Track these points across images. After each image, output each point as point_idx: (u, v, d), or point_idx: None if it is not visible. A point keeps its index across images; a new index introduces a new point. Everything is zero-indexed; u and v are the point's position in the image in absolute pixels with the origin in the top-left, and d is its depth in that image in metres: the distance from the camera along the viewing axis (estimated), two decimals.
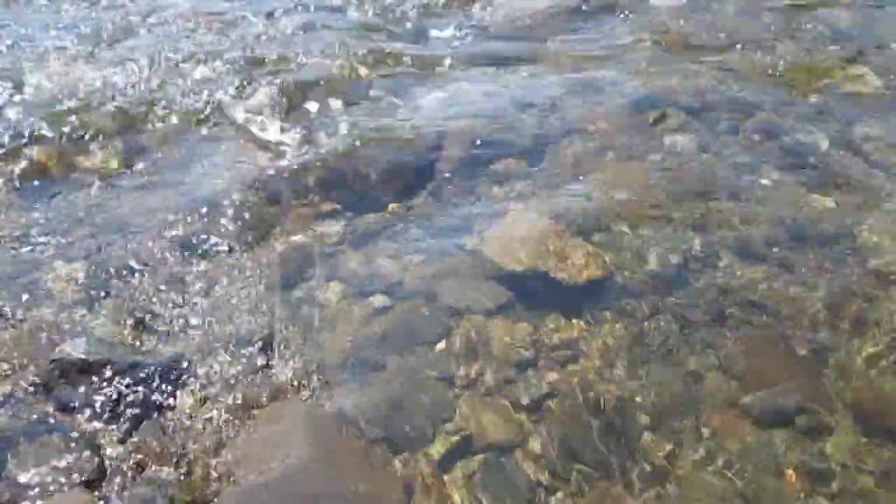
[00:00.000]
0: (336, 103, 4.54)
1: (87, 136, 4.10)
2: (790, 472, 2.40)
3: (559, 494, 2.38)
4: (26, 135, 4.02)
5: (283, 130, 4.29)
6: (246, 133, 4.26)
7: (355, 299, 3.13)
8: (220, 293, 3.12)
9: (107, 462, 2.41)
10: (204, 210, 3.58)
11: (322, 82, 4.69)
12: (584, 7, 5.48)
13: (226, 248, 3.36)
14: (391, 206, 3.65)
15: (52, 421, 2.52)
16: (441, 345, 2.92)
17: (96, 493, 2.32)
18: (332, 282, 3.20)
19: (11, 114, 4.23)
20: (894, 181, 3.52)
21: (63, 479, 2.33)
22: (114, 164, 3.98)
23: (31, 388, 2.63)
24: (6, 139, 3.98)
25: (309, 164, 3.89)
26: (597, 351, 2.84)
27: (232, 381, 2.71)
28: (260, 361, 2.81)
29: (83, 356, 2.69)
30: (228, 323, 2.96)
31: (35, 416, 2.52)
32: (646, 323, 2.94)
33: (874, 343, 2.77)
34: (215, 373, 2.74)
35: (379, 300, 3.12)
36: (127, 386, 2.63)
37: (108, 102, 4.39)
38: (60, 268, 3.19)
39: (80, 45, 5.13)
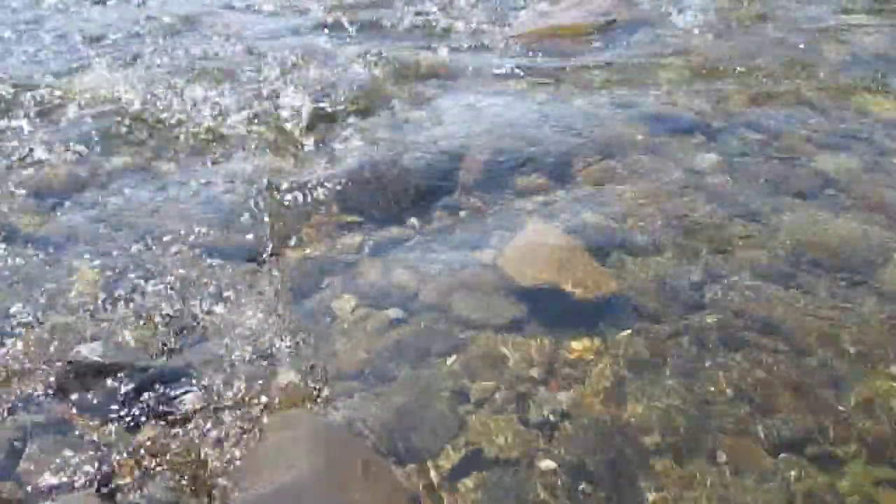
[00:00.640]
0: (357, 115, 4.58)
1: (110, 141, 4.17)
2: (802, 502, 2.37)
3: None
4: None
5: (304, 143, 4.34)
6: (268, 144, 4.31)
7: (370, 311, 3.14)
8: (237, 302, 3.15)
9: (115, 467, 2.43)
10: (223, 219, 3.64)
11: (344, 94, 4.74)
12: (608, 25, 5.48)
13: (244, 258, 3.39)
14: (411, 219, 3.67)
15: (64, 423, 2.55)
16: (453, 358, 2.92)
17: (104, 497, 2.34)
18: (348, 293, 3.22)
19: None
20: None
21: (72, 482, 2.36)
22: (137, 170, 4.04)
23: (46, 390, 2.67)
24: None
25: (330, 177, 3.93)
26: (610, 370, 2.83)
27: (244, 390, 2.73)
28: (272, 370, 2.83)
29: (99, 359, 2.73)
30: (244, 331, 2.98)
31: (48, 418, 2.56)
32: (660, 344, 2.92)
33: (891, 374, 2.73)
34: (227, 381, 2.75)
35: (394, 312, 3.13)
36: (139, 391, 2.66)
37: (133, 111, 4.47)
38: (81, 271, 3.24)
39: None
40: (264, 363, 2.85)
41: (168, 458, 2.46)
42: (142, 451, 2.48)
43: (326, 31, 5.71)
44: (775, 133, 4.12)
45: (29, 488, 2.34)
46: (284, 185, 3.87)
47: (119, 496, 2.34)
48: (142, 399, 2.66)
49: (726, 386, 2.74)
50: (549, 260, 3.28)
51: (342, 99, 4.67)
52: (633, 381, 2.78)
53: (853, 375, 2.73)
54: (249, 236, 3.51)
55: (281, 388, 2.75)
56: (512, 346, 2.95)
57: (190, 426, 2.58)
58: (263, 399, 2.69)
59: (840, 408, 2.63)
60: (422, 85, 4.89)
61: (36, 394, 2.66)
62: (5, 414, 2.58)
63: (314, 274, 3.32)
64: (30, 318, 2.99)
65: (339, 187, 3.86)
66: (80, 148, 4.17)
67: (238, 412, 2.63)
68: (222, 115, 4.46)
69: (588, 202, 3.68)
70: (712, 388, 2.73)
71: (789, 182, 3.70)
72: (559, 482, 2.47)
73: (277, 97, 4.68)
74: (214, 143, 4.30)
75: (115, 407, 2.62)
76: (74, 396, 2.65)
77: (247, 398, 2.69)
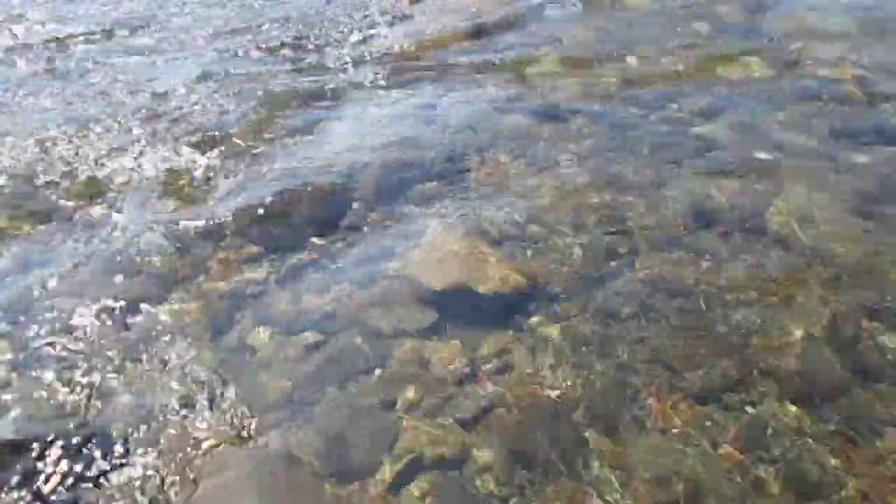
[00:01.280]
0: (243, 147, 4.52)
1: None
2: (730, 447, 2.47)
3: (514, 502, 2.39)
4: None
5: (193, 181, 4.25)
6: (157, 187, 4.19)
7: (287, 338, 3.09)
8: (151, 349, 3.05)
9: None
10: (122, 267, 3.52)
11: (226, 128, 4.67)
12: (484, 26, 5.60)
13: (152, 303, 3.29)
14: (313, 241, 3.63)
15: None
16: (377, 372, 2.91)
17: None
18: (262, 324, 3.16)
19: None
20: (791, 159, 3.69)
21: None
22: (26, 226, 3.87)
23: None
24: None
25: (226, 211, 3.86)
26: (531, 357, 2.87)
27: (172, 439, 2.64)
28: (198, 414, 2.74)
29: (13, 436, 2.60)
30: (163, 378, 2.89)
31: None
32: (574, 323, 2.99)
33: (790, 315, 2.88)
34: (154, 433, 2.66)
35: (311, 336, 3.09)
36: (61, 462, 2.53)
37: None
38: None
39: None
40: (189, 408, 2.77)
41: None
42: None
43: (202, 65, 5.61)
44: (652, 108, 4.30)
45: None
46: (182, 226, 3.78)
47: None
48: (66, 470, 2.53)
49: (643, 352, 2.83)
50: (454, 261, 3.31)
51: (226, 132, 4.59)
52: (554, 363, 2.83)
53: (757, 322, 2.87)
54: (154, 281, 3.41)
55: (210, 430, 2.67)
56: (432, 350, 2.96)
57: (123, 488, 2.48)
58: (194, 444, 2.61)
59: (749, 353, 2.76)
60: (303, 109, 4.86)
61: None
62: None
63: (226, 310, 3.25)
64: None
65: (236, 220, 3.80)
66: None
67: (171, 463, 2.55)
68: (107, 162, 4.32)
69: (484, 199, 3.73)
70: (630, 357, 2.82)
71: (672, 151, 3.87)
72: (501, 474, 2.48)
73: (160, 138, 4.57)
74: (101, 193, 4.15)
75: (38, 483, 2.48)
76: None
77: (177, 447, 2.60)
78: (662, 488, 2.37)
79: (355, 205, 3.83)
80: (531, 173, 3.85)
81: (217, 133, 4.62)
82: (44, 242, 3.79)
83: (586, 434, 2.57)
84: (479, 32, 5.50)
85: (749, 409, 2.60)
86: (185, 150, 4.45)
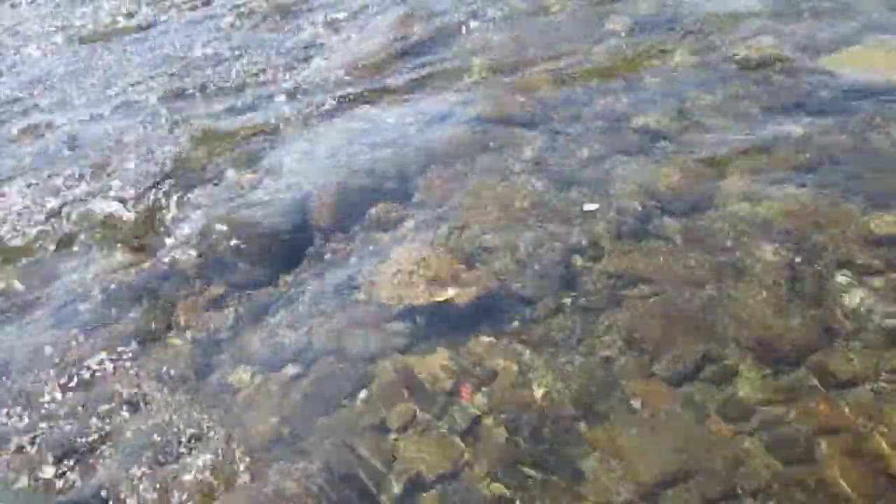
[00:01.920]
0: (190, 189, 4.48)
1: None
2: (713, 420, 2.58)
3: (519, 501, 2.45)
4: None
5: (144, 229, 4.20)
6: (106, 240, 4.13)
7: (268, 375, 3.10)
8: (133, 404, 3.02)
9: None
10: (82, 323, 3.47)
11: (166, 168, 4.63)
12: (411, 44, 5.67)
13: (121, 360, 3.24)
14: (277, 276, 3.63)
15: None
16: (363, 395, 2.93)
17: None
18: (241, 364, 3.16)
19: None
20: (729, 139, 3.85)
21: None
22: None
23: None
24: None
25: (183, 257, 3.82)
26: (513, 359, 2.94)
27: (165, 492, 2.62)
28: (189, 463, 2.73)
29: None
30: (148, 434, 2.86)
31: None
32: (549, 322, 3.07)
33: (750, 286, 3.01)
34: (146, 489, 2.63)
35: (291, 369, 3.10)
36: None
37: None
38: None
39: None
40: (178, 457, 2.75)
41: None
42: None
43: (135, 107, 5.54)
44: (587, 105, 4.42)
45: None
46: (138, 276, 3.73)
47: None
48: None
49: (617, 341, 2.93)
50: (422, 277, 3.36)
51: (165, 175, 4.54)
52: (536, 363, 2.91)
53: (720, 299, 3.00)
54: (120, 334, 3.37)
55: (205, 476, 2.66)
56: (415, 366, 3.01)
57: None
58: (190, 494, 2.59)
59: (717, 329, 2.88)
60: (246, 144, 4.84)
61: None
62: None
63: (202, 355, 3.23)
64: None
65: (195, 265, 3.77)
66: None
67: None
68: (50, 216, 4.25)
69: (439, 213, 3.79)
70: (607, 347, 2.92)
71: (615, 144, 3.99)
72: (502, 476, 2.55)
73: (100, 189, 4.50)
74: (46, 250, 4.08)
75: None
76: None
77: (175, 499, 2.58)
78: (657, 467, 2.47)
79: (314, 234, 3.85)
80: (481, 183, 3.92)
81: (158, 177, 4.56)
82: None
83: (578, 426, 2.65)
84: (407, 51, 5.55)
85: (725, 382, 2.72)
86: (128, 197, 4.38)
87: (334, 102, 5.05)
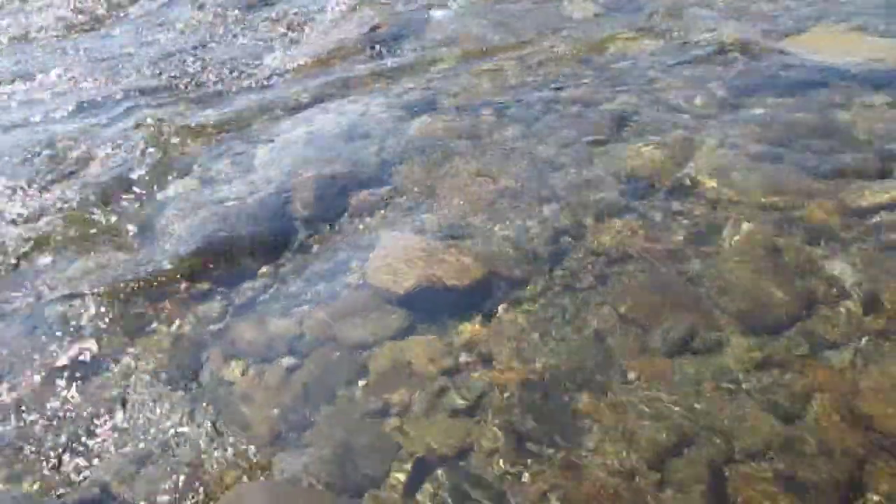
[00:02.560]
0: (164, 186, 4.42)
1: None
2: (709, 388, 2.67)
3: (525, 478, 2.50)
4: None
5: (118, 228, 4.13)
6: (81, 241, 4.05)
7: (262, 367, 3.09)
8: (121, 405, 2.98)
9: None
10: (66, 327, 3.41)
11: (141, 170, 4.56)
12: (378, 35, 5.68)
13: (110, 361, 3.20)
14: (262, 269, 3.62)
15: None
16: (362, 382, 2.95)
17: None
18: (234, 358, 3.14)
19: None
20: (699, 121, 3.97)
21: None
22: None
23: None
24: None
25: (162, 252, 3.78)
26: (507, 340, 2.99)
27: (171, 490, 2.60)
28: (192, 459, 2.71)
29: None
30: (146, 436, 2.83)
31: None
32: (540, 301, 3.13)
33: (732, 260, 3.12)
34: (152, 489, 2.61)
35: (286, 361, 3.10)
36: None
37: None
38: None
39: None
40: (180, 455, 2.73)
41: None
42: None
43: (99, 105, 5.43)
44: (559, 90, 4.51)
45: None
46: (118, 276, 3.66)
47: None
48: None
49: (609, 317, 3.00)
50: (412, 263, 3.38)
51: (141, 175, 4.48)
52: (531, 341, 2.96)
53: (705, 270, 3.09)
54: (106, 336, 3.31)
55: (209, 472, 2.64)
56: (412, 352, 3.03)
57: None
58: (196, 491, 2.58)
59: (705, 300, 2.98)
60: (216, 139, 4.79)
61: None
62: None
63: (192, 350, 3.20)
64: None
65: (176, 259, 3.72)
66: None
67: None
68: (22, 222, 4.14)
69: (424, 199, 3.82)
70: (599, 324, 2.98)
71: (589, 128, 4.07)
72: (506, 455, 2.59)
73: (70, 188, 4.41)
74: (19, 251, 3.99)
75: None
76: None
77: (181, 497, 2.56)
78: (661, 435, 2.54)
79: (296, 226, 3.84)
80: (461, 169, 3.96)
81: (131, 174, 4.50)
82: None
83: (577, 402, 2.71)
84: (374, 42, 5.57)
85: (716, 351, 2.81)
86: (102, 196, 4.31)
87: (304, 95, 5.04)
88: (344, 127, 4.58)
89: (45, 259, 3.93)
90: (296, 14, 6.35)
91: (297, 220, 3.88)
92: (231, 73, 5.56)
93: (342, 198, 3.94)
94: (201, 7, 6.91)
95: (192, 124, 4.92)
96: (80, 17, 7.34)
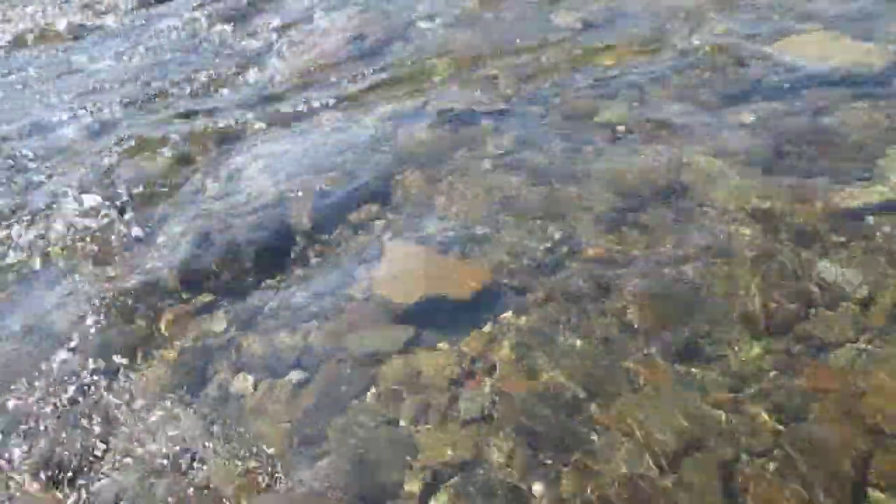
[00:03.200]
0: (157, 200, 4.43)
1: None
2: (716, 392, 2.73)
3: (539, 484, 2.54)
4: None
5: (117, 242, 4.13)
6: (80, 256, 4.04)
7: (272, 381, 3.11)
8: (132, 422, 2.99)
9: None
10: (68, 342, 3.41)
11: (134, 183, 4.56)
12: (367, 45, 5.71)
13: (115, 378, 3.20)
14: (266, 281, 3.64)
15: None
16: (372, 392, 2.98)
17: None
18: (243, 372, 3.16)
19: None
20: (690, 129, 4.05)
21: None
22: None
23: None
24: None
25: (163, 267, 3.79)
26: (513, 349, 3.03)
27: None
28: (205, 474, 2.73)
29: None
30: (157, 449, 2.84)
31: None
32: (544, 309, 3.18)
33: (730, 266, 3.18)
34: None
35: (295, 374, 3.12)
36: None
37: None
38: None
39: None
40: (191, 470, 2.74)
41: None
42: None
43: (91, 116, 5.41)
44: (550, 100, 4.57)
45: None
46: (120, 291, 3.67)
47: None
48: None
49: (614, 323, 3.06)
50: (417, 274, 3.43)
51: (135, 189, 4.47)
52: (537, 350, 3.01)
53: (706, 277, 3.16)
54: (112, 352, 3.31)
55: (225, 485, 2.66)
56: (420, 363, 3.07)
57: None
58: None
59: (707, 306, 3.05)
60: (211, 151, 4.80)
61: None
62: None
63: (198, 366, 3.22)
64: None
65: (177, 274, 3.74)
66: None
67: None
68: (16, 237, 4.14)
69: (423, 209, 3.86)
70: (604, 330, 3.04)
71: (582, 138, 4.14)
72: (518, 462, 2.63)
73: (63, 203, 4.40)
74: (11, 268, 3.98)
75: None
76: None
77: None
78: (670, 438, 2.60)
79: (297, 238, 3.86)
80: (459, 179, 4.00)
81: (124, 187, 4.49)
82: None
83: (586, 408, 2.77)
84: (364, 52, 5.60)
85: (719, 355, 2.88)
86: (97, 210, 4.31)
87: (298, 106, 5.06)
88: (339, 138, 4.61)
89: (45, 274, 3.92)
90: (285, 25, 6.37)
91: (297, 233, 3.90)
92: (223, 84, 5.57)
93: (341, 210, 3.97)
94: (189, 19, 6.90)
95: (184, 135, 4.91)
96: (65, 26, 7.31)
